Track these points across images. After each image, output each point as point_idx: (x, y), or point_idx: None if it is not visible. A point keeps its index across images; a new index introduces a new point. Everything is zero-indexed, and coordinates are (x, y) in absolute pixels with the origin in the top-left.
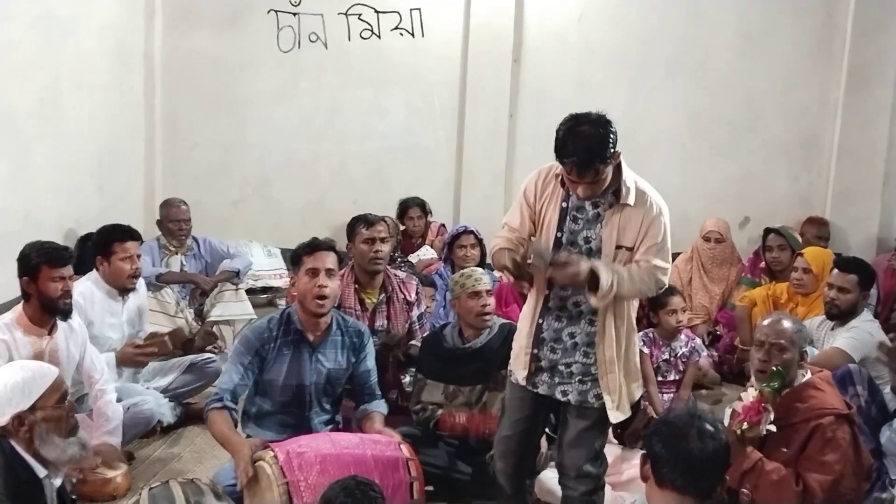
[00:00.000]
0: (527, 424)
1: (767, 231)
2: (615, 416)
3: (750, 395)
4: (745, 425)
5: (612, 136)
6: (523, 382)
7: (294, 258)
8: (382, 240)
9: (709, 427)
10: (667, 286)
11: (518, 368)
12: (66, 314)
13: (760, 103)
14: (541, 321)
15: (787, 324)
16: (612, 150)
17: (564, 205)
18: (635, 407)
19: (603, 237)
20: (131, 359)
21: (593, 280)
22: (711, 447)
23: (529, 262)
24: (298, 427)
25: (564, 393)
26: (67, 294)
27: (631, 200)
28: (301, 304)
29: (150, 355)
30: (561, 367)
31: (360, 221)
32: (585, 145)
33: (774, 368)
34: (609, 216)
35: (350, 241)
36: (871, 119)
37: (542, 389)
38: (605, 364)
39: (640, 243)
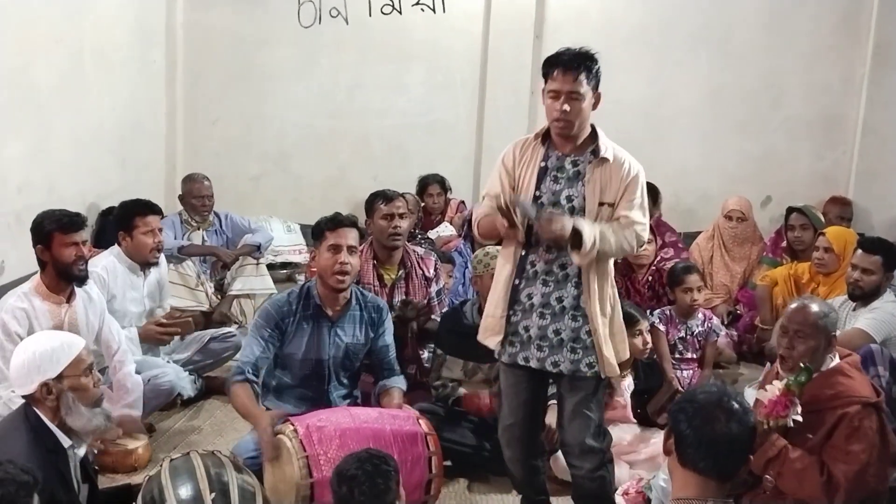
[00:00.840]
0: (528, 408)
1: (790, 210)
2: (590, 371)
3: (775, 388)
4: (771, 422)
5: (597, 61)
6: (498, 349)
7: (316, 232)
8: (401, 215)
9: (737, 408)
10: (644, 244)
11: (491, 335)
12: (81, 280)
13: (784, 80)
14: (517, 283)
15: (813, 309)
16: (596, 72)
17: (543, 164)
18: (658, 379)
19: (586, 194)
20: (154, 336)
21: (575, 238)
22: (737, 431)
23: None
24: (317, 401)
25: (556, 364)
26: (81, 259)
27: (609, 156)
28: (321, 279)
29: (172, 335)
30: (550, 335)
31: (379, 197)
32: (573, 52)
33: (802, 365)
34: (591, 172)
35: (369, 216)
36: None
37: (533, 364)
38: (593, 320)
39: (620, 199)
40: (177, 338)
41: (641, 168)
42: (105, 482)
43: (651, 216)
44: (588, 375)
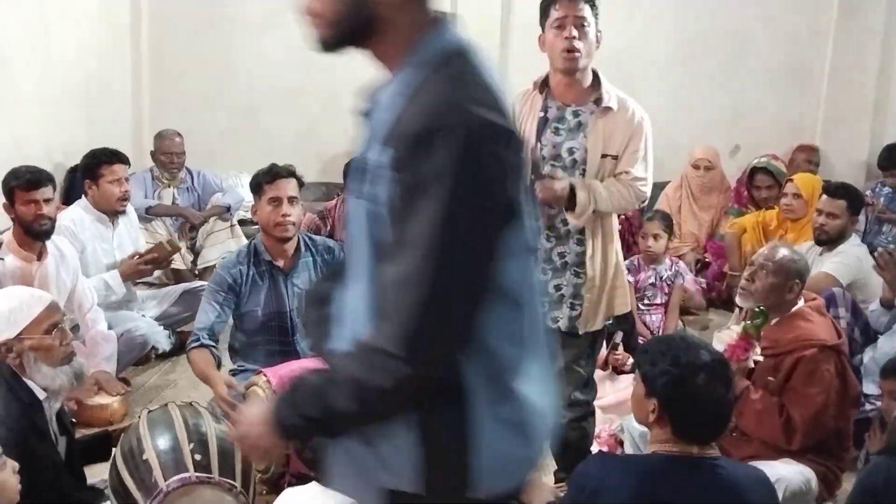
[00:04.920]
0: None
1: (754, 170)
2: (584, 327)
3: (733, 332)
4: (733, 365)
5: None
6: None
7: (254, 186)
8: None
9: (722, 390)
10: (647, 199)
11: None
12: (45, 235)
13: (752, 29)
14: None
15: (783, 250)
16: (596, 8)
17: (542, 114)
18: (627, 324)
19: (588, 147)
20: (135, 269)
21: (571, 198)
22: (727, 410)
23: None
24: (286, 354)
25: (555, 320)
26: (42, 217)
27: (613, 105)
28: (265, 232)
29: (151, 262)
30: (551, 291)
31: None
32: None
33: (758, 309)
34: (593, 123)
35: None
36: (862, 44)
37: None
38: (592, 278)
39: (624, 151)
40: (151, 292)
41: (646, 115)
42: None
43: None
44: (582, 334)
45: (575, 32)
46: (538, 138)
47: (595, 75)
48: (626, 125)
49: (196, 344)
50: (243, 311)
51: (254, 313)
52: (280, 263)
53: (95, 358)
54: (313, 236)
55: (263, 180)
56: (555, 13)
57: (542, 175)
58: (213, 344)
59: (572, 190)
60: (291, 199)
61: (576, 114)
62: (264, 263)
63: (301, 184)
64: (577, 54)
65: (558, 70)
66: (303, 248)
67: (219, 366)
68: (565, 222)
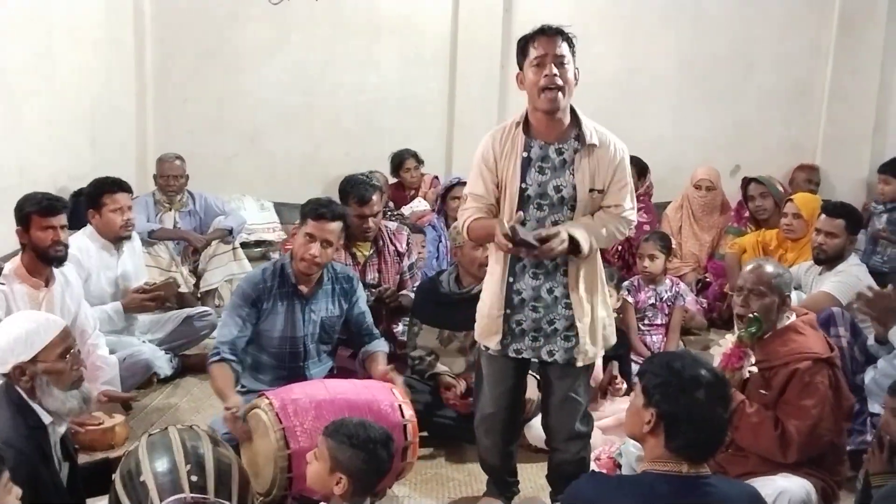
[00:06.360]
0: (511, 396)
1: (747, 181)
2: (583, 359)
3: (728, 341)
4: (728, 374)
5: (574, 37)
6: (497, 348)
7: (302, 213)
8: (374, 214)
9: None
10: (635, 225)
11: (489, 335)
12: (59, 261)
13: (754, 50)
14: (511, 280)
15: (768, 269)
16: (574, 45)
17: (525, 154)
18: (626, 346)
19: (576, 183)
20: (138, 304)
21: (571, 244)
22: (725, 424)
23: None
24: (294, 378)
25: (551, 353)
26: (58, 243)
27: (596, 141)
28: (294, 258)
29: (156, 300)
30: (544, 326)
31: (354, 195)
32: (548, 24)
33: (752, 315)
34: (578, 161)
35: (342, 202)
36: (862, 64)
37: (526, 354)
38: (577, 308)
39: (610, 184)
40: (153, 317)
41: (625, 147)
42: (83, 460)
43: (636, 190)
44: (580, 364)
45: (555, 70)
46: (523, 178)
47: (573, 111)
48: (609, 159)
49: (216, 358)
50: (260, 329)
51: (269, 333)
52: (303, 289)
53: (96, 382)
54: (335, 264)
55: (310, 214)
56: (534, 52)
57: (540, 240)
58: (234, 359)
59: (571, 238)
60: (325, 242)
61: (559, 151)
62: (288, 285)
63: (346, 225)
64: (558, 93)
65: (538, 109)
66: (325, 278)
67: (237, 381)
68: (553, 258)
